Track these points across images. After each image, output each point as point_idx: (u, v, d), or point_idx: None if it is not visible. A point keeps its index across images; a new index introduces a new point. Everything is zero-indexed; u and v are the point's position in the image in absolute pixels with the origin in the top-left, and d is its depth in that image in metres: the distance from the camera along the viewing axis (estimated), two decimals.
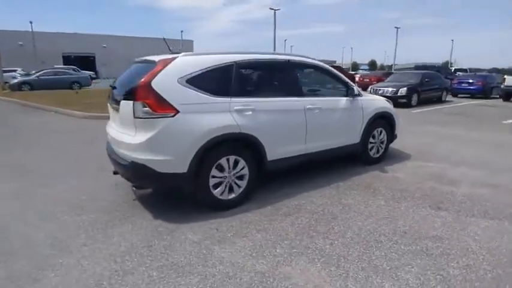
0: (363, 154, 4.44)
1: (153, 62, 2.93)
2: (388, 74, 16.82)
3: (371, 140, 4.46)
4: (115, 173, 3.46)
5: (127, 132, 2.86)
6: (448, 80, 15.00)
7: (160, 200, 3.42)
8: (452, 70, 22.59)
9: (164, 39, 3.60)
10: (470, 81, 15.11)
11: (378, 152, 4.63)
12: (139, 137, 2.73)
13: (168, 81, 2.77)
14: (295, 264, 2.32)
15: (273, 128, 3.29)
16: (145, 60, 3.23)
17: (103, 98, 14.41)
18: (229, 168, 3.07)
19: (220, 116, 2.96)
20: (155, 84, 2.70)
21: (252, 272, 2.23)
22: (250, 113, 3.12)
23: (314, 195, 3.54)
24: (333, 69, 4.10)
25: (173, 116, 2.72)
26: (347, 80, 4.17)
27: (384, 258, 2.39)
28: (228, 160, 3.05)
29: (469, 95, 15.52)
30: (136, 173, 2.81)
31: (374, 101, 4.52)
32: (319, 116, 3.68)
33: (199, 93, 2.89)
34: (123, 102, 2.88)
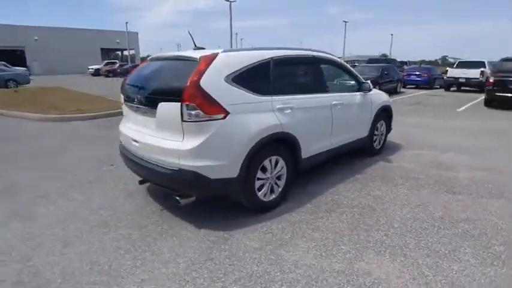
0: (369, 147, 4.68)
1: (192, 59, 2.70)
2: None
3: (375, 132, 4.72)
4: (141, 182, 3.17)
5: (171, 137, 2.63)
6: (400, 72, 16.39)
7: (191, 208, 3.22)
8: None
9: (189, 32, 3.35)
10: (417, 73, 16.74)
11: (379, 143, 4.92)
12: (190, 142, 2.53)
13: (215, 80, 2.60)
14: (367, 259, 2.39)
15: (307, 125, 3.31)
16: (178, 56, 2.97)
17: (49, 96, 13.04)
18: (271, 168, 3.02)
19: (266, 116, 2.89)
20: (204, 84, 2.51)
21: (333, 271, 2.24)
22: (290, 111, 3.09)
23: (341, 189, 3.65)
24: (347, 64, 4.24)
25: (224, 118, 2.58)
26: (358, 75, 4.34)
27: (439, 243, 2.59)
28: (270, 161, 2.99)
29: (415, 86, 17.17)
30: (185, 181, 2.61)
31: (379, 95, 4.77)
32: (341, 111, 3.80)
33: (245, 93, 2.77)
34: (163, 104, 2.63)
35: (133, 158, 3.02)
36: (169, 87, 2.69)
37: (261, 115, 2.86)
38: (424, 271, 2.25)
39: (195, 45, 3.19)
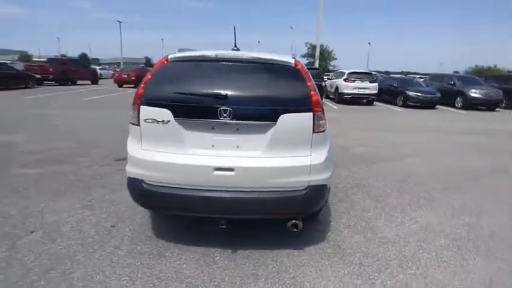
0: None
1: (285, 63, 2.44)
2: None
3: None
4: (220, 224, 2.40)
5: (295, 153, 2.33)
6: None
7: (233, 237, 2.75)
8: None
9: (234, 28, 2.82)
10: None
11: None
12: (320, 155, 2.38)
13: None
14: (430, 219, 3.17)
15: None
16: (262, 59, 2.45)
17: None
18: None
19: None
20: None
21: (423, 231, 2.93)
22: None
23: (335, 178, 4.25)
24: None
25: None
26: None
27: (432, 191, 3.86)
28: None
29: None
30: (314, 198, 2.40)
31: None
32: None
33: None
34: (286, 116, 2.27)
35: (214, 194, 2.28)
36: (291, 96, 2.35)
37: None
38: (453, 213, 3.32)
39: (235, 46, 2.82)
